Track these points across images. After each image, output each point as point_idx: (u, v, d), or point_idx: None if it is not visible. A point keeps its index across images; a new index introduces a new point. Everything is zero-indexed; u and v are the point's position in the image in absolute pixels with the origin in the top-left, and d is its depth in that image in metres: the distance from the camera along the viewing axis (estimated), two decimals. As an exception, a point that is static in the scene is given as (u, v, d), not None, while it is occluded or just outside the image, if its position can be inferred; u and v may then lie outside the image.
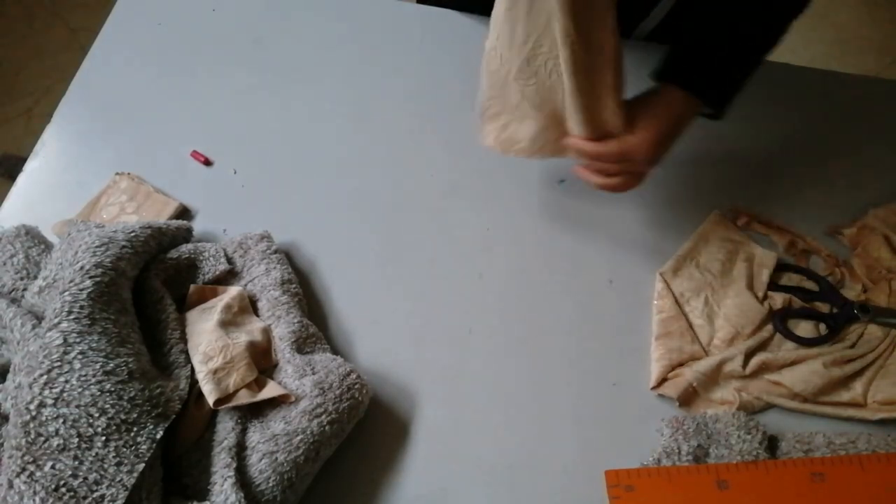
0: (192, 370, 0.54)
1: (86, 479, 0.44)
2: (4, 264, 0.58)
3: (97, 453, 0.45)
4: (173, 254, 0.60)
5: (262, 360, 0.56)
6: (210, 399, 0.51)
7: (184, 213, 0.68)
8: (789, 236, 0.69)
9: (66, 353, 0.47)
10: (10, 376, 0.49)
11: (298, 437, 0.50)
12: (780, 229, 0.70)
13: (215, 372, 0.52)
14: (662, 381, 0.61)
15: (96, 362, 0.48)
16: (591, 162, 0.58)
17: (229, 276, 0.62)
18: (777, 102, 0.78)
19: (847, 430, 0.59)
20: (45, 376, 0.46)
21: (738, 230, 0.70)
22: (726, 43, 0.57)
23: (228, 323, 0.56)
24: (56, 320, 0.48)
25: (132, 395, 0.48)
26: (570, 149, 0.58)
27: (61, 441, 0.45)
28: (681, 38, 0.62)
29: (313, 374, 0.54)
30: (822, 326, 0.64)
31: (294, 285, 0.61)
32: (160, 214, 0.66)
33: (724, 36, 0.58)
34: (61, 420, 0.45)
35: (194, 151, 0.72)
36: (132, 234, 0.56)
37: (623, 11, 0.75)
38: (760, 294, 0.64)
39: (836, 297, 0.65)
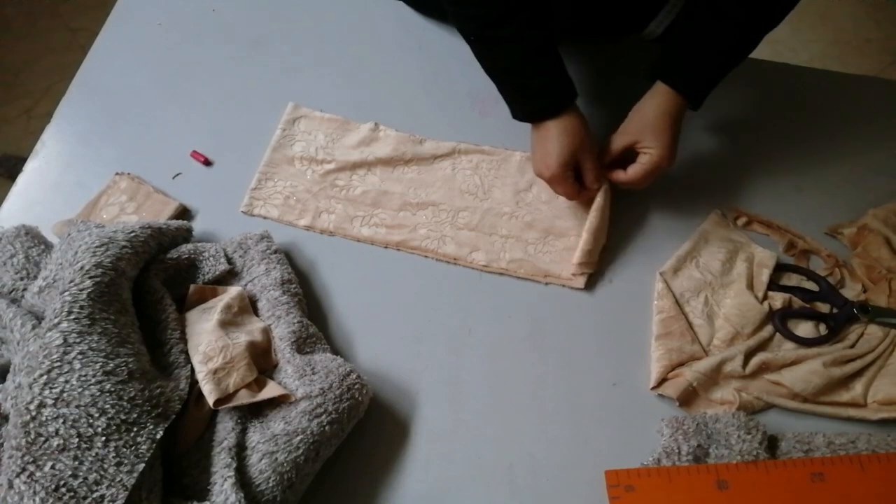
0: (192, 370, 0.54)
1: (86, 479, 0.44)
2: (4, 264, 0.58)
3: (97, 453, 0.45)
4: (173, 254, 0.59)
5: (262, 360, 0.56)
6: (210, 399, 0.51)
7: (184, 213, 0.68)
8: (789, 236, 0.69)
9: (66, 353, 0.47)
10: (10, 376, 0.49)
11: (298, 437, 0.50)
12: (780, 229, 0.70)
13: (215, 372, 0.52)
14: (662, 381, 0.61)
15: (96, 362, 0.48)
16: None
17: (229, 276, 0.62)
18: (777, 102, 0.78)
19: (847, 430, 0.59)
20: (45, 376, 0.46)
21: (738, 230, 0.70)
22: (713, 42, 0.63)
23: (228, 323, 0.56)
24: (56, 320, 0.48)
25: (132, 395, 0.48)
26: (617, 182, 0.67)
27: (61, 441, 0.45)
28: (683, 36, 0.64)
29: (313, 374, 0.54)
30: (822, 326, 0.64)
31: (294, 285, 0.61)
32: (160, 214, 0.66)
33: (711, 34, 0.63)
34: (61, 420, 0.45)
35: (194, 151, 0.72)
36: (132, 234, 0.56)
37: (632, 10, 0.75)
38: (760, 294, 0.64)
39: (836, 297, 0.65)
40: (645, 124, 0.64)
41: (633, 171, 0.65)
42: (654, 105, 0.64)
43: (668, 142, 0.63)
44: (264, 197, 0.69)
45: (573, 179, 0.65)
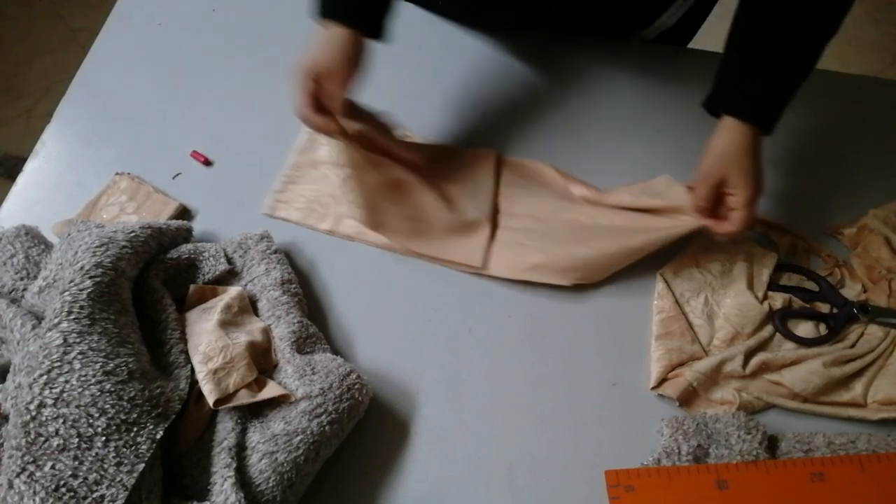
0: (192, 370, 0.54)
1: (86, 479, 0.44)
2: (4, 264, 0.58)
3: (97, 453, 0.45)
4: (173, 254, 0.60)
5: (262, 360, 0.56)
6: (210, 399, 0.51)
7: (184, 213, 0.68)
8: (789, 236, 0.69)
9: (66, 353, 0.47)
10: (10, 376, 0.49)
11: (298, 437, 0.50)
12: (780, 229, 0.69)
13: (215, 372, 0.52)
14: (662, 381, 0.61)
15: (96, 362, 0.48)
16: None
17: (229, 276, 0.62)
18: (777, 102, 0.78)
19: (847, 430, 0.59)
20: (45, 376, 0.46)
21: (738, 230, 0.70)
22: (775, 61, 0.58)
23: (228, 323, 0.56)
24: (56, 320, 0.48)
25: (132, 395, 0.48)
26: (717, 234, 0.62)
27: (61, 441, 0.45)
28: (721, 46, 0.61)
29: (313, 374, 0.54)
30: (822, 326, 0.64)
31: (294, 285, 0.61)
32: (160, 214, 0.66)
33: (771, 54, 0.58)
34: (61, 420, 0.45)
35: (194, 151, 0.72)
36: (132, 234, 0.56)
37: (638, 5, 0.74)
38: (760, 294, 0.64)
39: (836, 297, 0.65)
40: (726, 164, 0.59)
41: (736, 222, 0.59)
42: (729, 141, 0.59)
43: (755, 175, 0.59)
44: (287, 199, 0.69)
45: (309, 93, 0.60)
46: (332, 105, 0.60)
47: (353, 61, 0.60)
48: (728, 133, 0.59)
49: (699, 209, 0.62)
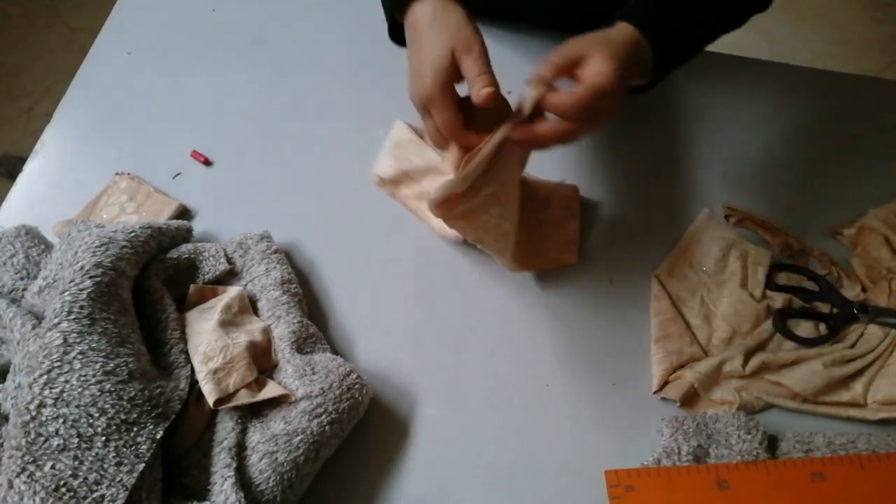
0: (192, 370, 0.54)
1: (86, 479, 0.44)
2: (4, 264, 0.58)
3: (97, 453, 0.45)
4: (173, 254, 0.60)
5: (262, 360, 0.56)
6: (210, 399, 0.51)
7: (184, 213, 0.68)
8: (782, 236, 0.69)
9: (66, 353, 0.47)
10: (10, 376, 0.49)
11: (298, 437, 0.50)
12: (774, 229, 0.69)
13: (215, 372, 0.52)
14: (664, 384, 0.61)
15: (96, 362, 0.48)
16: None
17: (229, 276, 0.62)
18: (777, 102, 0.78)
19: (847, 430, 0.59)
20: (45, 376, 0.46)
21: (730, 228, 0.69)
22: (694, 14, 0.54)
23: (228, 323, 0.56)
24: (56, 320, 0.48)
25: (132, 395, 0.48)
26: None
27: (61, 441, 0.45)
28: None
29: (313, 374, 0.54)
30: (822, 326, 0.64)
31: (294, 285, 0.61)
32: (160, 214, 0.66)
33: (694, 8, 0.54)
34: (61, 420, 0.45)
35: (194, 151, 0.72)
36: (132, 234, 0.56)
37: (589, 17, 0.75)
38: (757, 292, 0.64)
39: (836, 297, 0.65)
40: (599, 41, 0.47)
41: (571, 93, 0.45)
42: (612, 32, 0.50)
43: (619, 71, 0.46)
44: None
45: (455, 101, 0.46)
46: (481, 82, 0.44)
47: (471, 25, 0.46)
48: (616, 29, 0.50)
49: (541, 78, 0.47)
